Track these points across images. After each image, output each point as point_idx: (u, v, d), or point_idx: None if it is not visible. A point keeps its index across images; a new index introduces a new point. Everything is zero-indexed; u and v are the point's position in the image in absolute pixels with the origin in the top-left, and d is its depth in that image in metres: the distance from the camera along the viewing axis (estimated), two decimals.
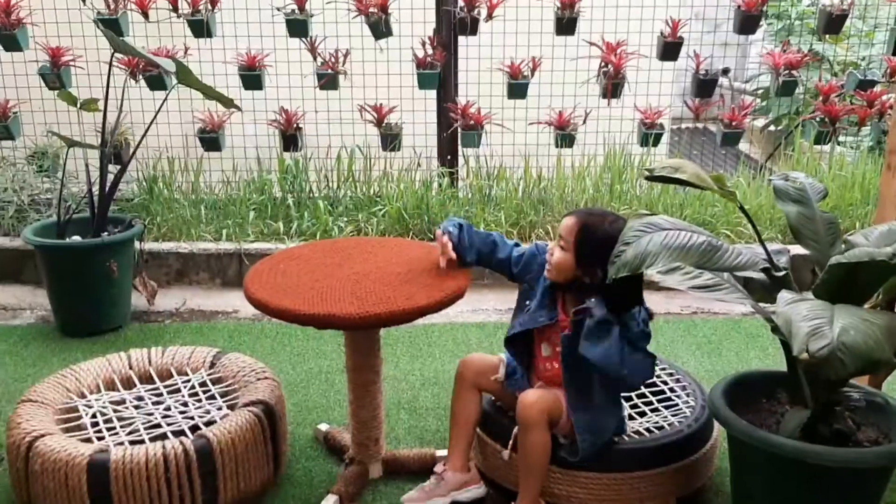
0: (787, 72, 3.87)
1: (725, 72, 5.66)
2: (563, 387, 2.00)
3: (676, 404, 2.26)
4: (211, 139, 3.96)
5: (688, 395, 2.29)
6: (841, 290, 1.79)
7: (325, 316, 1.90)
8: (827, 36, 5.16)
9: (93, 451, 1.92)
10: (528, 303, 2.06)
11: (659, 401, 2.28)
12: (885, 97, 3.96)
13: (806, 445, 1.76)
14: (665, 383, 2.36)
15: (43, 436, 1.98)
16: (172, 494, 1.94)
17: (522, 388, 2.04)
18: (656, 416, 2.21)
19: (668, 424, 2.13)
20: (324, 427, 2.47)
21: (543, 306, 2.02)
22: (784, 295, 1.72)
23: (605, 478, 2.00)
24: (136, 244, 3.38)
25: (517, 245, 2.12)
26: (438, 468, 2.14)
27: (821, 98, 4.03)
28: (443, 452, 2.27)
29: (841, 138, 4.87)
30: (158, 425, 2.13)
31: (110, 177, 3.25)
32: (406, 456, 2.29)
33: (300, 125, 4.00)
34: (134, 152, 3.39)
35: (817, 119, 4.02)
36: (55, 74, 3.77)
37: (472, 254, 2.09)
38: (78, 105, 3.26)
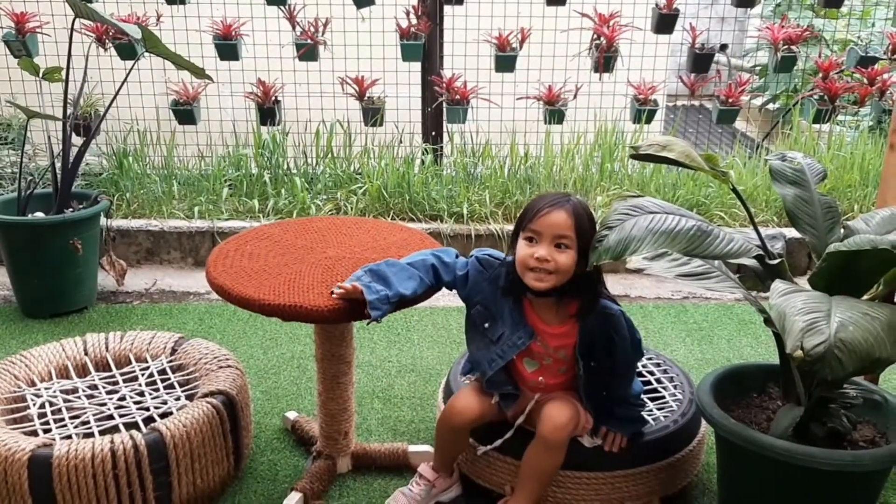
0: (785, 47, 3.72)
1: (723, 48, 5.50)
2: (587, 400, 1.88)
3: (663, 397, 2.14)
4: (185, 111, 3.79)
5: (675, 386, 2.17)
6: (839, 280, 1.67)
7: (291, 307, 1.76)
8: (825, 11, 5.02)
9: (35, 446, 1.79)
10: (494, 328, 1.85)
11: (645, 393, 2.15)
12: (885, 75, 3.82)
13: (798, 447, 1.63)
14: (651, 373, 2.24)
15: None
16: (122, 492, 1.81)
17: (515, 405, 1.90)
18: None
19: (654, 419, 2.01)
20: (292, 415, 2.35)
21: (518, 327, 1.83)
22: (778, 285, 1.59)
23: (584, 476, 1.89)
24: (103, 221, 3.23)
25: (457, 256, 1.91)
26: (427, 472, 1.98)
27: (820, 75, 3.88)
28: (415, 447, 2.15)
29: (840, 117, 4.73)
30: (111, 417, 2.00)
31: (74, 150, 3.10)
32: (377, 450, 2.17)
33: (278, 98, 3.84)
34: (98, 124, 3.24)
35: (816, 97, 3.87)
36: (20, 41, 3.60)
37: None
38: (40, 74, 3.09)
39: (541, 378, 1.88)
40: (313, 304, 1.76)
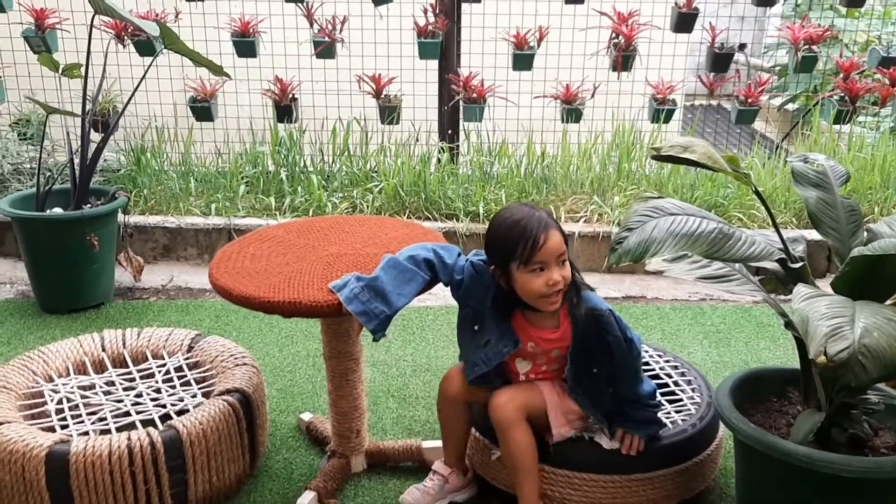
0: (806, 47, 3.68)
1: (742, 47, 5.45)
2: (597, 406, 1.88)
3: (681, 400, 2.12)
4: (202, 108, 3.80)
5: (693, 390, 2.14)
6: (863, 285, 1.64)
7: (290, 303, 1.77)
8: (846, 11, 4.96)
9: (52, 442, 1.80)
10: (482, 333, 1.85)
11: (662, 395, 2.13)
12: None
13: (819, 453, 1.61)
14: (669, 376, 2.22)
15: (1, 424, 1.86)
16: (138, 489, 1.82)
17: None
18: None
19: (671, 423, 1.99)
20: (306, 416, 2.35)
21: (504, 336, 1.84)
22: (801, 289, 1.57)
23: (601, 480, 1.87)
24: (121, 217, 3.24)
25: (459, 255, 1.90)
26: (441, 468, 1.99)
27: (841, 75, 3.84)
28: (430, 444, 2.15)
29: (860, 118, 4.68)
30: (127, 413, 2.01)
31: (93, 146, 3.11)
32: (391, 448, 2.16)
33: (295, 95, 3.84)
34: (117, 121, 3.25)
35: (836, 97, 3.83)
36: (40, 38, 3.62)
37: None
38: (59, 70, 3.10)
39: (533, 375, 1.90)
40: (312, 300, 1.76)
